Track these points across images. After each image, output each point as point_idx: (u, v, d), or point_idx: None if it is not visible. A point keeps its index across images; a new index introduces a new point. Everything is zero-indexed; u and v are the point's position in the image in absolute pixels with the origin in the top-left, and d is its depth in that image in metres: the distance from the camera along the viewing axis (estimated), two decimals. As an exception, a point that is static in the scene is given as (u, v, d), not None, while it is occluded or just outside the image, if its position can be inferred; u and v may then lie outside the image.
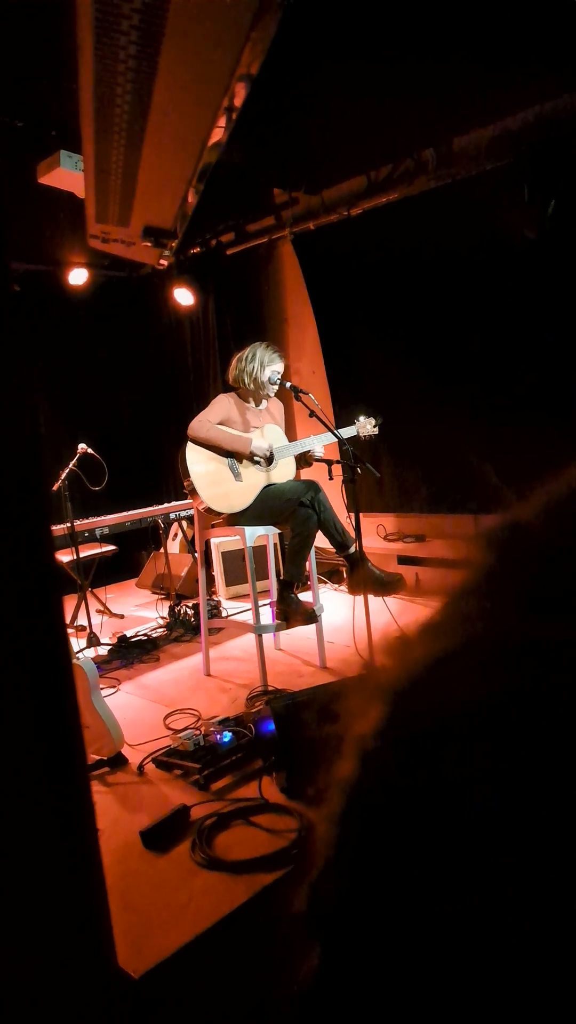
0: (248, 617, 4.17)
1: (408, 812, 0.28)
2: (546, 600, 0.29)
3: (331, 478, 3.80)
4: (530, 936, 0.24)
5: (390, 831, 0.28)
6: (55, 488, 4.80)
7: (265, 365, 4.05)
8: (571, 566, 0.30)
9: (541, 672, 0.27)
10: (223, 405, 4.06)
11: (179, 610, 5.20)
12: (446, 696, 0.29)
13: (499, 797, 0.25)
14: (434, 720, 0.28)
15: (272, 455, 4.03)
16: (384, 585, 4.16)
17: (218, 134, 3.08)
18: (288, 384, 4.00)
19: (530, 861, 0.24)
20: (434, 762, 0.27)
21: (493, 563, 0.33)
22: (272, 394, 4.17)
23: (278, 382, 4.08)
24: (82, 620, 4.98)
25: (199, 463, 3.91)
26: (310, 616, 3.88)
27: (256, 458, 3.96)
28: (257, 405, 4.18)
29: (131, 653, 4.62)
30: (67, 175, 4.14)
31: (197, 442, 3.93)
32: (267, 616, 4.13)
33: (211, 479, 3.90)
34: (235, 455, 3.97)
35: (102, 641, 4.80)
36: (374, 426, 4.27)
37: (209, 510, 3.92)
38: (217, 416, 4.00)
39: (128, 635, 4.90)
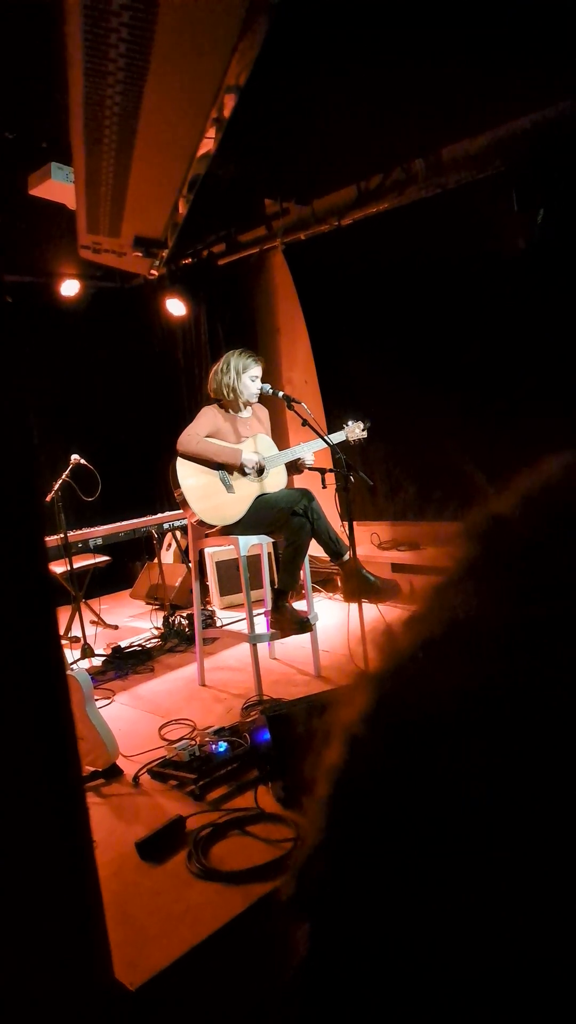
0: (243, 627, 4.17)
1: (395, 794, 0.28)
2: (528, 588, 0.30)
3: (324, 486, 3.81)
4: (520, 925, 0.24)
5: (378, 813, 0.29)
6: (48, 499, 4.79)
7: (241, 372, 4.05)
8: (549, 555, 0.30)
9: (527, 658, 0.27)
10: (209, 417, 4.06)
11: (173, 620, 5.19)
12: (432, 682, 0.29)
13: (487, 782, 0.26)
14: (421, 705, 0.29)
15: (263, 466, 4.03)
16: (379, 591, 4.16)
17: (207, 145, 3.10)
18: (280, 394, 4.00)
19: (518, 847, 0.25)
20: (421, 747, 0.28)
21: (474, 554, 0.33)
22: (255, 400, 4.16)
23: (268, 388, 4.07)
24: (76, 631, 4.96)
25: (190, 476, 3.91)
26: (304, 625, 3.88)
27: (247, 470, 3.96)
28: (241, 412, 4.18)
29: (125, 664, 4.61)
30: (58, 187, 4.16)
31: (187, 456, 3.93)
32: (262, 625, 4.13)
33: (203, 492, 3.90)
34: (226, 467, 3.97)
35: (96, 652, 4.78)
36: (363, 429, 4.27)
37: (202, 523, 3.92)
38: (205, 429, 4.00)
39: (122, 646, 4.88)
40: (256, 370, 4.09)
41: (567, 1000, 0.23)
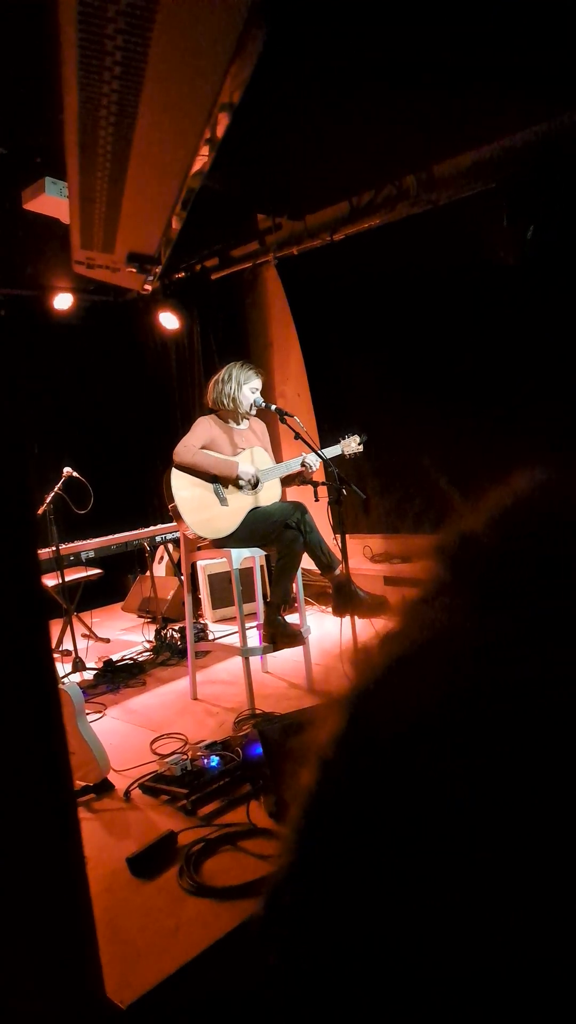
0: (235, 640, 4.16)
1: (364, 817, 0.29)
2: (496, 604, 0.30)
3: (316, 499, 3.81)
4: (485, 942, 0.25)
5: (346, 836, 0.29)
6: (41, 511, 4.78)
7: (242, 383, 4.06)
8: (517, 571, 0.31)
9: (494, 673, 0.28)
10: (204, 428, 4.06)
11: (165, 633, 5.18)
12: (402, 700, 0.30)
13: (456, 798, 0.26)
14: (390, 724, 0.29)
15: (258, 480, 4.03)
16: (367, 606, 4.16)
17: (201, 162, 3.13)
18: (273, 407, 4.01)
19: (488, 864, 0.25)
20: (389, 767, 0.28)
21: (445, 571, 0.34)
22: (253, 412, 4.16)
23: (261, 400, 4.07)
24: (67, 645, 4.94)
25: (184, 489, 3.90)
26: (297, 638, 3.87)
27: (242, 483, 3.96)
28: (238, 424, 4.19)
29: (117, 677, 4.59)
30: (52, 201, 4.18)
31: (182, 468, 3.92)
32: (254, 639, 4.13)
33: (196, 504, 3.90)
34: (221, 480, 3.97)
35: (88, 666, 4.77)
36: (358, 443, 4.28)
37: (195, 535, 3.92)
38: (200, 440, 4.00)
39: (114, 659, 4.87)
40: (256, 383, 4.10)
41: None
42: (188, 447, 3.94)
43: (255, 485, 4.02)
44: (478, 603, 0.31)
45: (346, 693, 0.32)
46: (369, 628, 3.96)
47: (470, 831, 0.26)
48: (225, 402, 4.08)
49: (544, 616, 0.29)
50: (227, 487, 3.98)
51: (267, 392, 6.36)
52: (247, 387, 4.06)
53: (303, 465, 4.04)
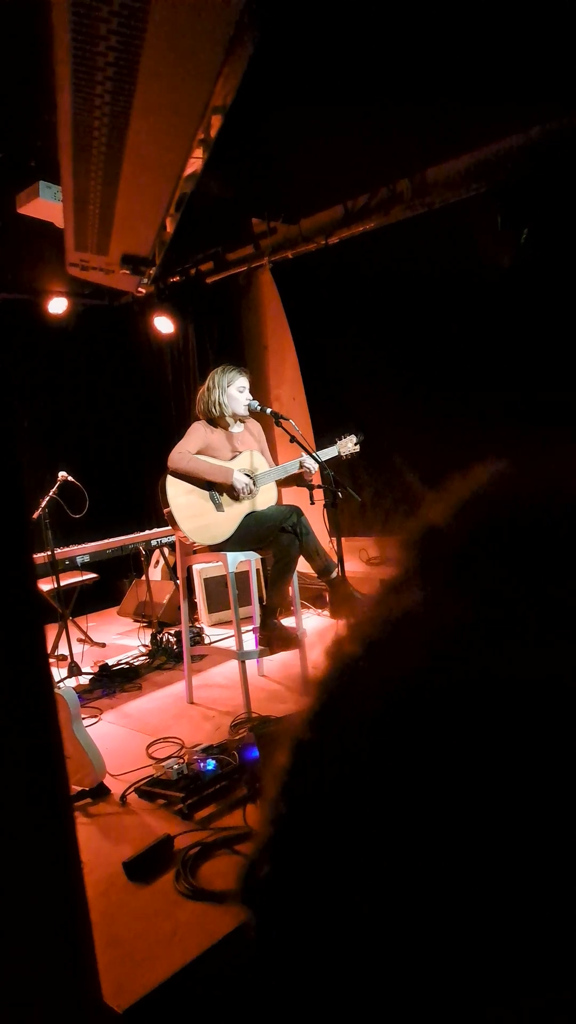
0: (231, 644, 4.16)
1: (336, 792, 0.30)
2: (459, 591, 0.32)
3: (312, 503, 3.81)
4: (455, 914, 0.26)
5: (320, 812, 0.31)
6: (35, 516, 4.77)
7: (226, 386, 4.01)
8: (477, 560, 0.33)
9: (458, 655, 0.29)
10: (199, 433, 4.03)
11: (161, 638, 5.17)
12: (371, 680, 0.31)
13: (424, 775, 0.28)
14: (361, 704, 0.31)
15: (252, 489, 4.00)
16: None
17: (194, 164, 3.13)
18: (268, 410, 3.98)
19: (459, 838, 0.27)
20: (360, 744, 0.30)
21: (412, 561, 0.36)
22: (245, 413, 4.09)
23: (256, 404, 4.02)
24: (63, 649, 4.93)
25: (179, 495, 3.88)
26: (293, 641, 3.86)
27: (236, 491, 3.93)
28: (233, 427, 4.14)
29: (113, 682, 4.58)
30: (46, 205, 4.17)
31: (178, 474, 3.89)
32: (250, 642, 4.12)
33: (192, 511, 3.88)
34: (217, 487, 3.95)
35: (83, 670, 4.75)
36: (355, 443, 4.26)
37: (191, 541, 3.90)
38: (195, 445, 3.97)
39: (110, 664, 4.86)
40: (241, 381, 4.05)
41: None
42: (183, 453, 3.91)
43: (251, 493, 4.00)
44: (443, 591, 0.33)
45: (319, 677, 0.34)
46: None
47: (467, 815, 0.27)
48: (214, 409, 4.04)
49: (508, 601, 0.30)
50: (222, 493, 3.96)
51: (262, 395, 6.40)
52: (232, 388, 4.02)
53: (302, 467, 4.01)
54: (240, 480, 3.91)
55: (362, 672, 0.32)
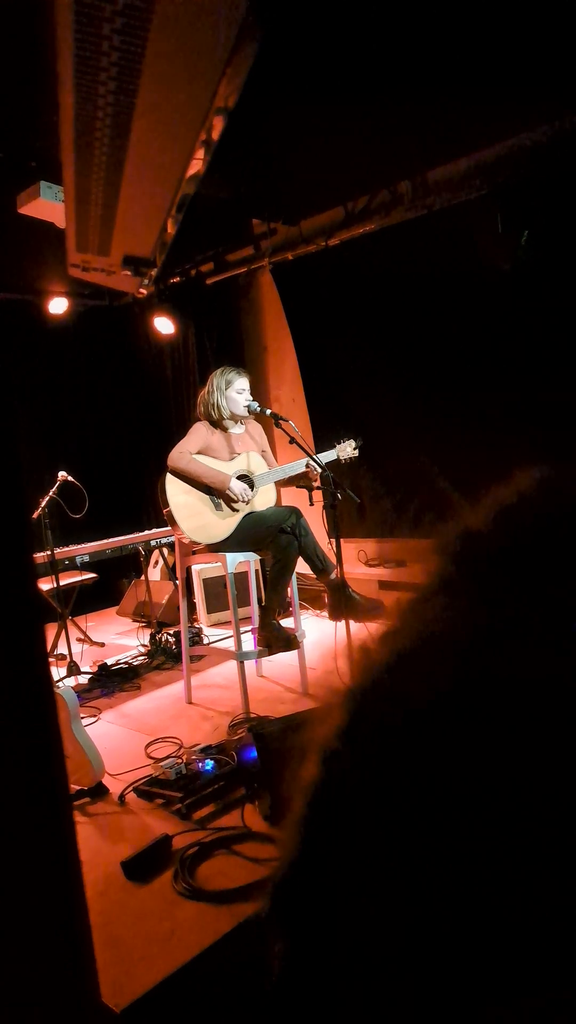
0: (230, 644, 4.16)
1: (370, 807, 0.29)
2: (499, 600, 0.31)
3: (311, 504, 3.81)
4: (494, 933, 0.25)
5: (353, 827, 0.30)
6: (35, 516, 4.77)
7: (225, 389, 4.03)
8: (521, 568, 0.32)
9: (496, 667, 0.28)
10: (200, 433, 4.04)
11: (160, 638, 5.17)
12: (404, 693, 0.30)
13: (461, 789, 0.27)
14: (393, 716, 0.30)
15: (250, 494, 3.99)
16: (363, 610, 4.15)
17: (196, 166, 3.13)
18: (268, 412, 3.99)
19: (493, 853, 0.26)
20: (394, 758, 0.29)
21: (447, 569, 0.35)
22: (245, 413, 4.09)
23: (255, 405, 4.03)
24: (62, 649, 4.93)
25: (179, 494, 3.89)
26: (292, 642, 3.87)
27: (231, 500, 3.93)
28: (234, 428, 4.15)
29: (112, 682, 4.59)
30: (47, 205, 4.17)
31: (176, 473, 3.91)
32: (249, 643, 4.12)
33: (191, 511, 3.89)
34: (213, 491, 3.95)
35: (82, 670, 4.75)
36: (354, 448, 4.27)
37: (190, 540, 3.91)
38: (195, 445, 3.99)
39: (109, 663, 4.86)
40: (241, 382, 4.06)
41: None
42: (183, 453, 3.93)
43: (247, 501, 3.99)
44: (481, 601, 0.32)
45: (347, 689, 0.33)
46: (364, 632, 3.95)
47: (475, 822, 0.26)
48: (214, 412, 4.05)
49: (546, 610, 0.29)
50: (220, 497, 3.97)
51: (262, 396, 6.40)
52: (232, 390, 4.03)
53: (308, 467, 4.01)
54: (236, 487, 3.91)
55: (396, 683, 0.31)
